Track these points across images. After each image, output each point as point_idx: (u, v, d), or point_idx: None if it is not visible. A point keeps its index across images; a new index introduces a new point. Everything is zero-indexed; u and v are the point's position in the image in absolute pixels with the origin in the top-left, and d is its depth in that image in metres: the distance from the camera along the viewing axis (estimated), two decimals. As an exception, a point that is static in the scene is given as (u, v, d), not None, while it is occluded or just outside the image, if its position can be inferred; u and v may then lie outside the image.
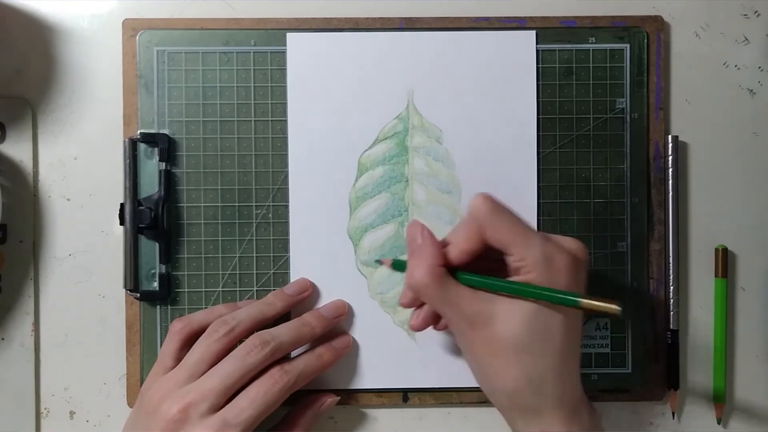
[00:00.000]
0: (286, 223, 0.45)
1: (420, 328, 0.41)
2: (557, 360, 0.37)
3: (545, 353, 0.36)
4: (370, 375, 0.45)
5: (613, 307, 0.35)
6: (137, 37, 0.45)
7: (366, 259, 0.45)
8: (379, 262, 0.44)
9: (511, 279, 0.37)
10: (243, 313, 0.42)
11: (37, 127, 0.46)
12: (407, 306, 0.41)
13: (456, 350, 0.45)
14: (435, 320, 0.41)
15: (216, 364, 0.40)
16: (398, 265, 0.41)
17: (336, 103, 0.45)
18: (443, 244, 0.39)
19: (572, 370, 0.38)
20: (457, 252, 0.38)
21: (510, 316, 0.36)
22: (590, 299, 0.36)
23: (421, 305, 0.41)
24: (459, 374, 0.45)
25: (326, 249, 0.45)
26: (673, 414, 0.46)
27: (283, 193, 0.45)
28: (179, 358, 0.41)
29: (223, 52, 0.45)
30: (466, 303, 0.37)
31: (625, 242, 0.46)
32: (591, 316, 0.45)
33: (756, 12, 0.47)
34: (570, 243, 0.38)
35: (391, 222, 0.45)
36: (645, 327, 0.46)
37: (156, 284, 0.45)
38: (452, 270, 0.38)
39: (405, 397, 0.45)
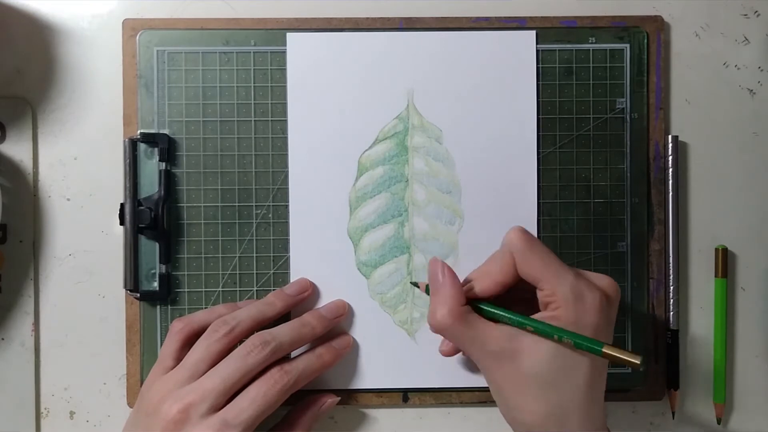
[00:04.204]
0: (286, 223, 0.45)
1: (449, 355, 0.43)
2: (581, 396, 0.37)
3: (570, 389, 0.37)
4: (370, 375, 0.45)
5: (634, 361, 0.35)
6: (137, 37, 0.45)
7: (366, 259, 0.45)
8: (415, 284, 0.44)
9: (540, 314, 0.38)
10: (243, 313, 0.42)
11: (37, 127, 0.46)
12: (445, 353, 0.44)
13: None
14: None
15: (216, 364, 0.40)
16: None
17: (336, 103, 0.45)
18: (466, 281, 0.40)
19: (596, 405, 0.37)
20: (490, 283, 0.39)
21: (535, 352, 0.37)
22: (613, 349, 0.35)
23: None
24: (459, 374, 0.45)
25: (326, 249, 0.45)
26: (673, 414, 0.46)
27: (283, 193, 0.45)
28: (179, 358, 0.41)
29: (223, 52, 0.45)
30: (492, 340, 0.37)
31: (625, 242, 0.46)
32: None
33: (756, 12, 0.47)
34: (601, 280, 0.38)
35: (391, 222, 0.45)
36: (645, 327, 0.46)
37: (156, 284, 0.45)
38: (475, 301, 0.39)
39: (405, 397, 0.45)
